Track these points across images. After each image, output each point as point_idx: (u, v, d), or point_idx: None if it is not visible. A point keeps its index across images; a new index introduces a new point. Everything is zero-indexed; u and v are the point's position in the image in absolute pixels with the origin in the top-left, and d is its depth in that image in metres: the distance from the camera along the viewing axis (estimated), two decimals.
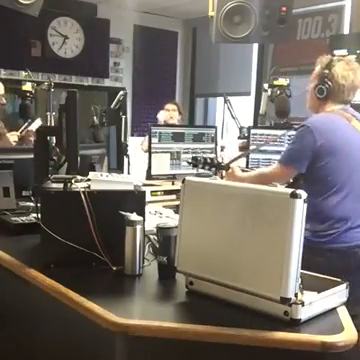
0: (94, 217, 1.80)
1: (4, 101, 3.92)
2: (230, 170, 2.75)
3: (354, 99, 2.49)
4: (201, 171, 3.79)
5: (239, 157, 3.09)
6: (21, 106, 4.18)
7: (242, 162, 3.51)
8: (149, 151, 3.80)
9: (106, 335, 1.46)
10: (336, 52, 4.93)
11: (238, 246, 1.46)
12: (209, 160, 2.84)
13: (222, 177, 3.08)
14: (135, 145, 5.19)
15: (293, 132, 3.35)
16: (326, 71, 2.41)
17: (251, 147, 3.77)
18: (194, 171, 3.80)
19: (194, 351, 1.42)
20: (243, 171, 2.79)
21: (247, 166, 3.63)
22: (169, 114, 5.07)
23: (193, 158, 2.88)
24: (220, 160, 2.94)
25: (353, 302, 1.62)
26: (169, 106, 5.15)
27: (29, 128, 3.91)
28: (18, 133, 3.88)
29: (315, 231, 2.31)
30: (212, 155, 2.92)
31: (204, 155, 2.99)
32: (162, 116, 5.17)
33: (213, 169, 2.88)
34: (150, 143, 3.78)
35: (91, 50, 6.78)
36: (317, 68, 2.48)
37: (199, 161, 2.84)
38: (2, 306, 2.05)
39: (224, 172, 2.88)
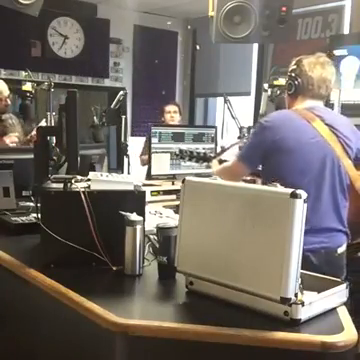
0: (94, 217, 1.80)
1: (9, 102, 3.94)
2: (213, 162, 2.79)
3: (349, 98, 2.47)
4: (201, 171, 3.81)
5: (225, 150, 3.11)
6: (21, 106, 4.18)
7: None
8: (149, 151, 3.80)
9: (106, 335, 1.46)
10: (336, 52, 4.96)
11: (238, 246, 1.46)
12: (195, 153, 2.87)
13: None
14: (135, 146, 5.18)
15: None
16: (294, 67, 2.41)
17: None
18: (194, 171, 3.82)
19: (194, 351, 1.42)
20: (221, 162, 2.81)
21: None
22: (170, 115, 5.07)
23: (180, 150, 2.92)
24: (208, 152, 2.98)
25: None
26: (170, 108, 5.14)
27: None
28: (15, 136, 3.90)
29: None
30: (200, 149, 2.95)
31: (191, 148, 3.02)
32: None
33: (201, 161, 2.92)
34: (150, 145, 3.77)
35: (91, 50, 6.78)
36: (289, 68, 2.46)
37: (186, 154, 2.88)
38: (2, 306, 2.05)
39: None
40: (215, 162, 2.78)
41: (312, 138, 2.29)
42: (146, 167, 4.01)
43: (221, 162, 2.83)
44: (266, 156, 2.31)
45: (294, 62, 2.44)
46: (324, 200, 2.28)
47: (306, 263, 2.17)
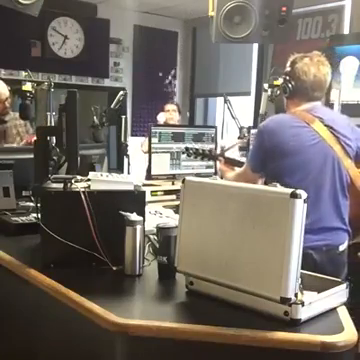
0: (94, 217, 1.80)
1: (8, 105, 3.93)
2: (223, 166, 2.81)
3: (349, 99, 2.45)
4: (201, 171, 3.82)
5: (230, 147, 3.12)
6: (21, 106, 4.18)
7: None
8: (149, 151, 3.80)
9: (106, 335, 1.46)
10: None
11: (238, 246, 1.46)
12: (201, 150, 2.88)
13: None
14: (135, 146, 5.19)
15: None
16: (288, 69, 2.40)
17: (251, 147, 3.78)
18: (194, 171, 3.82)
19: (194, 351, 1.41)
20: (234, 162, 2.83)
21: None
22: (169, 114, 5.07)
23: (186, 148, 2.93)
24: (213, 150, 2.99)
25: None
26: (169, 106, 5.15)
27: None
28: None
29: None
30: (206, 146, 2.96)
31: (196, 146, 3.03)
32: (162, 118, 5.16)
33: (206, 159, 2.93)
34: (150, 143, 3.78)
35: (91, 50, 6.78)
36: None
37: (193, 151, 2.88)
38: (2, 306, 2.05)
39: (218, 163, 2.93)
40: (222, 161, 2.79)
41: (312, 140, 2.29)
42: (146, 167, 4.00)
43: (228, 161, 2.84)
44: (267, 160, 2.33)
45: (288, 63, 2.42)
46: (325, 200, 2.29)
47: (308, 261, 2.18)
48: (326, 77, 2.37)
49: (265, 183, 2.44)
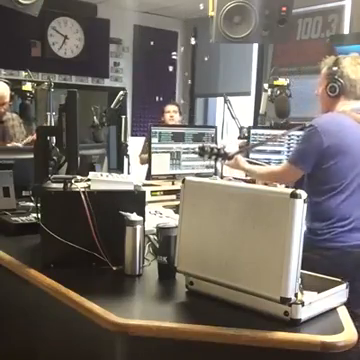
0: (94, 217, 1.80)
1: (7, 107, 3.92)
2: (233, 160, 2.75)
3: None
4: (201, 171, 3.81)
5: (245, 149, 3.10)
6: (21, 106, 4.18)
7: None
8: (149, 151, 3.80)
9: (106, 335, 1.46)
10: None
11: (238, 246, 1.46)
12: (216, 150, 2.82)
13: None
14: (135, 146, 5.18)
15: (296, 132, 3.36)
16: (335, 68, 2.40)
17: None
18: (194, 171, 3.82)
19: (194, 351, 1.42)
20: (250, 163, 2.81)
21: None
22: (170, 115, 5.06)
23: (200, 148, 2.85)
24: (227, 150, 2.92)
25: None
26: (170, 107, 5.14)
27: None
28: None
29: (313, 229, 2.31)
30: (219, 145, 2.88)
31: (211, 145, 2.95)
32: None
33: (220, 159, 2.87)
34: (150, 143, 3.77)
35: (91, 50, 6.78)
36: (323, 69, 2.47)
37: (206, 151, 2.82)
38: (2, 306, 2.05)
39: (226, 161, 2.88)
40: (243, 159, 2.75)
41: None
42: (146, 167, 4.00)
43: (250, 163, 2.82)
44: (322, 160, 2.32)
45: (332, 62, 2.44)
46: None
47: (352, 258, 2.19)
48: None
49: (308, 186, 2.43)
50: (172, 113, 5.06)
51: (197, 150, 2.85)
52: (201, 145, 2.86)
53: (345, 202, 2.31)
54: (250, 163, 2.82)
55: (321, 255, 2.25)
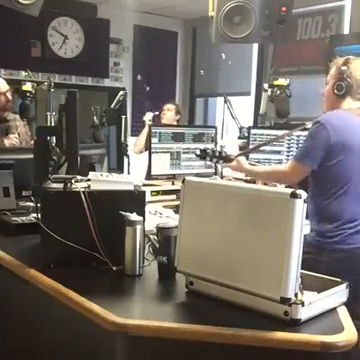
0: (94, 217, 1.80)
1: (10, 97, 3.92)
2: (235, 162, 2.74)
3: None
4: (201, 171, 3.81)
5: (248, 151, 3.10)
6: (21, 106, 4.18)
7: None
8: (149, 151, 3.80)
9: (106, 335, 1.46)
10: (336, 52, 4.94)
11: (238, 246, 1.46)
12: (218, 153, 2.82)
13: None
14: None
15: (298, 132, 3.36)
16: (344, 68, 2.41)
17: (250, 147, 3.77)
18: (194, 171, 3.82)
19: (194, 351, 1.42)
20: (251, 165, 2.80)
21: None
22: (163, 113, 5.03)
23: (201, 150, 2.84)
24: (228, 152, 2.91)
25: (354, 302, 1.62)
26: (166, 106, 5.12)
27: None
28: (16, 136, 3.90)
29: (322, 231, 2.30)
30: (220, 147, 2.87)
31: (213, 147, 2.93)
32: (148, 117, 4.99)
33: (221, 161, 2.87)
34: (150, 143, 3.77)
35: (91, 50, 6.78)
36: (333, 69, 2.48)
37: (208, 153, 2.81)
38: (2, 306, 2.05)
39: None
40: (245, 161, 2.74)
41: None
42: (146, 167, 4.00)
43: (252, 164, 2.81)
44: (328, 157, 2.31)
45: (342, 62, 2.45)
46: None
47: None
48: None
49: (313, 183, 2.43)
50: (165, 111, 5.03)
51: (198, 153, 2.85)
52: (202, 148, 2.86)
53: (353, 203, 2.30)
54: (251, 165, 2.81)
55: (330, 257, 2.24)
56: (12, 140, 3.85)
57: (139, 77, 7.15)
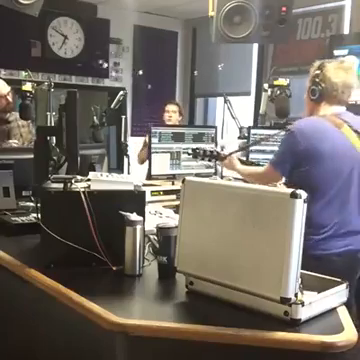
0: (94, 217, 1.80)
1: (10, 100, 3.93)
2: (227, 160, 2.80)
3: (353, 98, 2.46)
4: (201, 171, 3.81)
5: (239, 150, 3.12)
6: (21, 106, 4.18)
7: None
8: (149, 151, 3.80)
9: (106, 335, 1.46)
10: (336, 52, 4.95)
11: (238, 246, 1.46)
12: (209, 152, 2.87)
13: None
14: (135, 146, 5.17)
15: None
16: (317, 72, 2.39)
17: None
18: (194, 171, 3.82)
19: (194, 351, 1.42)
20: (242, 163, 2.84)
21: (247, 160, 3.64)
22: (168, 115, 5.03)
23: (193, 149, 2.92)
24: (220, 151, 2.96)
25: None
26: (169, 107, 5.11)
27: None
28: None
29: None
30: (212, 147, 2.95)
31: (204, 147, 3.02)
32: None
33: (213, 160, 2.93)
34: (150, 149, 3.77)
35: (91, 50, 6.78)
36: (310, 72, 2.45)
37: (198, 153, 2.88)
38: (2, 306, 2.05)
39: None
40: (236, 160, 2.78)
41: (342, 145, 2.31)
42: (146, 167, 4.00)
43: (243, 163, 2.84)
44: (299, 163, 2.31)
45: (317, 66, 2.43)
46: (351, 204, 2.30)
47: (332, 267, 2.11)
48: (355, 82, 2.39)
49: (286, 185, 2.42)
50: (171, 113, 5.03)
51: (190, 152, 2.93)
52: (194, 147, 2.95)
53: (324, 209, 2.26)
54: (243, 163, 2.84)
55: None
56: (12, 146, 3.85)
57: (141, 72, 7.15)
